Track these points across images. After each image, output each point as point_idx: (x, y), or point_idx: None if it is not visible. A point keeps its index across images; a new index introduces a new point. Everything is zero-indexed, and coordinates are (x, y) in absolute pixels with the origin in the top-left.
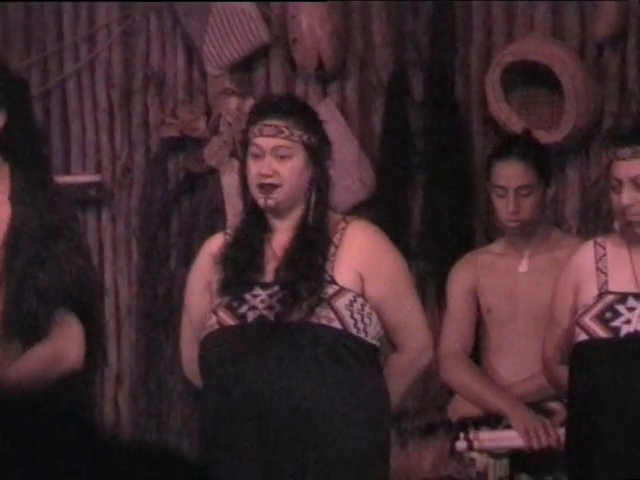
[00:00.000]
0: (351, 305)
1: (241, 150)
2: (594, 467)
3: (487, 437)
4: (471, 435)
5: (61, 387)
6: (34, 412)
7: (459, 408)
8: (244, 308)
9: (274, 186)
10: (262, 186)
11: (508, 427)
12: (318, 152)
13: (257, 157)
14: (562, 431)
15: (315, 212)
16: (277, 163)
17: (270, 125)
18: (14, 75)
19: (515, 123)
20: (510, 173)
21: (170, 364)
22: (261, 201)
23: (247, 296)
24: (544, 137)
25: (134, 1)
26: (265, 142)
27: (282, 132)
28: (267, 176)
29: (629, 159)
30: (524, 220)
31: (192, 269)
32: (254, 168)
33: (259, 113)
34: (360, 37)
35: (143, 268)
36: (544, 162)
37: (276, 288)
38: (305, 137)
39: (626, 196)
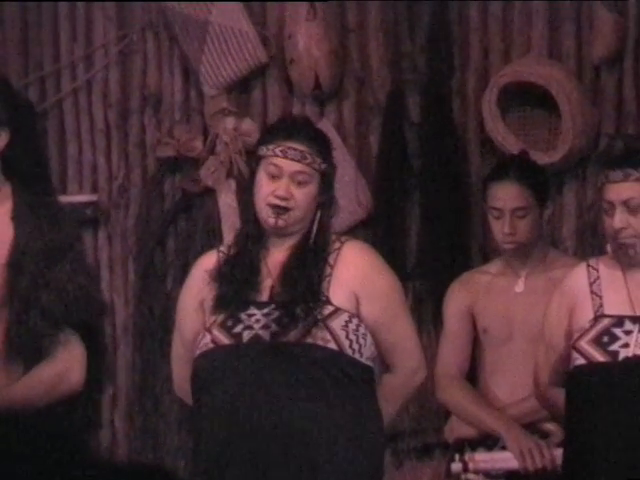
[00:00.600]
0: (346, 326)
1: (246, 165)
2: None
3: (482, 458)
4: (466, 456)
5: (60, 408)
6: (32, 432)
7: (456, 429)
8: (239, 327)
9: (286, 209)
10: (274, 206)
11: (504, 448)
12: (329, 178)
13: (274, 177)
14: (558, 452)
15: (318, 233)
16: (294, 187)
17: (295, 149)
18: (18, 95)
19: (512, 144)
20: (506, 195)
21: (166, 384)
22: (271, 221)
23: (242, 315)
24: (541, 158)
25: (136, 1)
26: (287, 165)
27: (306, 158)
28: (283, 199)
29: (621, 182)
30: (520, 242)
31: (184, 286)
32: (268, 187)
33: (281, 133)
34: (357, 57)
35: (139, 287)
36: (540, 183)
37: (272, 307)
38: (323, 165)
39: (618, 219)
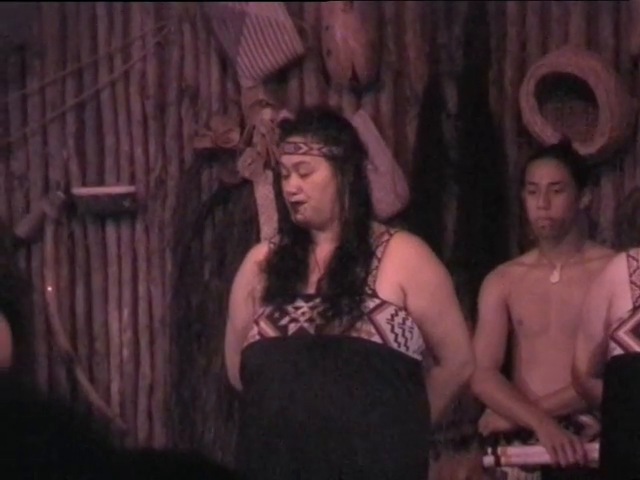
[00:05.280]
0: (392, 319)
1: (277, 164)
2: None
3: (514, 452)
4: (499, 450)
5: None
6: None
7: (491, 421)
8: (285, 320)
9: (301, 203)
10: (292, 204)
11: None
12: (345, 162)
13: (285, 175)
14: (592, 446)
15: (354, 223)
16: (301, 180)
17: (290, 143)
18: None
19: (549, 135)
20: (543, 169)
21: (203, 375)
22: (293, 217)
23: (289, 308)
24: (578, 149)
25: (171, 0)
26: (287, 160)
27: (300, 148)
28: (293, 194)
29: None
30: (554, 218)
31: (236, 277)
32: (283, 186)
33: (283, 132)
34: (394, 49)
35: (177, 279)
36: (579, 164)
37: (318, 301)
38: (326, 149)
39: None
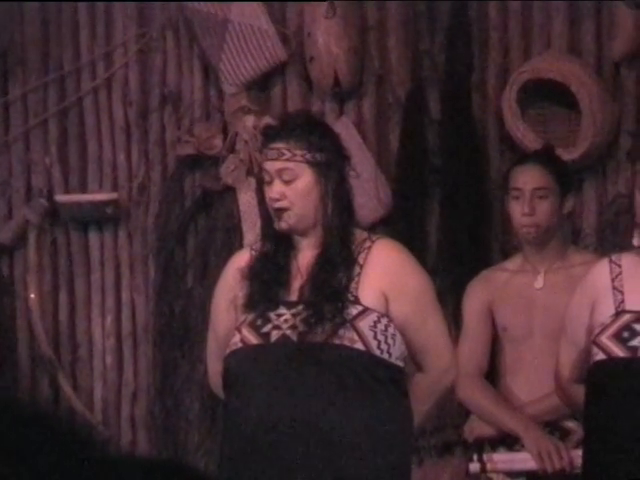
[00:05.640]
0: (375, 326)
1: (259, 171)
2: None
3: (500, 459)
4: (484, 457)
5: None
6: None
7: (476, 428)
8: (268, 327)
9: (284, 209)
10: (275, 210)
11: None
12: (328, 168)
13: (267, 182)
14: (577, 453)
15: (336, 230)
16: (284, 186)
17: (272, 149)
18: None
19: (532, 141)
20: (527, 175)
21: (187, 382)
22: (276, 225)
23: (271, 315)
24: (561, 155)
25: (155, 0)
26: (270, 166)
27: (283, 154)
28: (276, 200)
29: None
30: (539, 225)
31: (218, 283)
32: (266, 193)
33: (266, 137)
34: (376, 55)
35: (160, 286)
36: (562, 169)
37: (300, 307)
38: (309, 155)
39: None
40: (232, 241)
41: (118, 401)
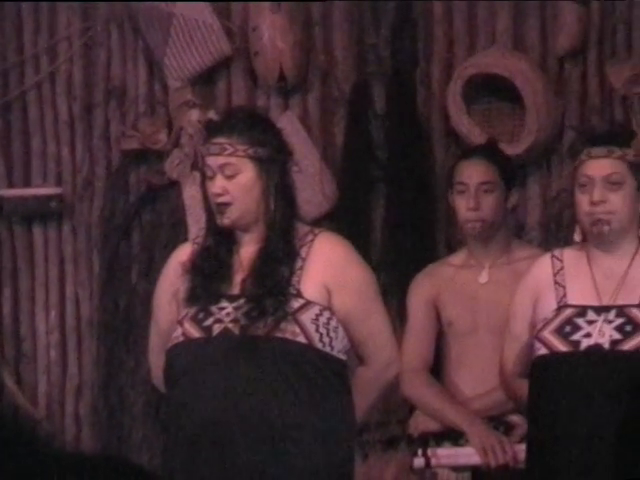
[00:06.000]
0: (317, 319)
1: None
2: None
3: (444, 454)
4: (429, 452)
5: None
6: None
7: (421, 422)
8: (210, 320)
9: (226, 204)
10: (217, 205)
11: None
12: (271, 163)
13: (210, 177)
14: (521, 447)
15: (278, 224)
16: (226, 181)
17: (215, 144)
18: None
19: (477, 135)
20: (472, 169)
21: (131, 377)
22: (218, 220)
23: (213, 308)
24: (505, 150)
25: (98, 1)
26: (212, 161)
27: (225, 149)
28: (218, 195)
29: (603, 158)
30: (484, 219)
31: (160, 277)
32: (209, 188)
33: (208, 132)
34: (322, 49)
35: (104, 281)
36: (507, 164)
37: (242, 301)
38: (251, 150)
39: (598, 193)
40: (177, 236)
41: (62, 396)
